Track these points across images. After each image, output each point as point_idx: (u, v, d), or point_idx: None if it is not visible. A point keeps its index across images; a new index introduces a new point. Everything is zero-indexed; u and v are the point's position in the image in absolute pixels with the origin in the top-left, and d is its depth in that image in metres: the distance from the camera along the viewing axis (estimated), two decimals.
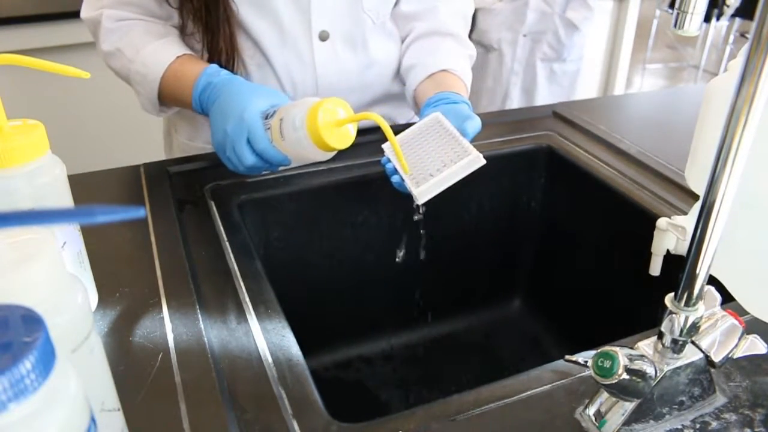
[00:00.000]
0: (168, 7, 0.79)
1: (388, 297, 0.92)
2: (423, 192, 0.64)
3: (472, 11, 0.95)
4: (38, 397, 0.24)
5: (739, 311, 0.49)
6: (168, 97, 0.80)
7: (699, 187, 0.66)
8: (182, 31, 0.82)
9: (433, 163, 0.66)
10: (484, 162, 0.64)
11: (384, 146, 0.73)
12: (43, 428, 0.25)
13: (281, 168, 0.81)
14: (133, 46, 0.78)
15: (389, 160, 0.71)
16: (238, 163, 0.70)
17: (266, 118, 0.69)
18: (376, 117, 0.63)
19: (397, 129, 0.81)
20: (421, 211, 0.72)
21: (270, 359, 0.52)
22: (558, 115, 1.00)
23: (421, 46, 0.89)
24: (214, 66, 0.76)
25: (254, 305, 0.58)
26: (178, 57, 0.77)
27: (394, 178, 0.69)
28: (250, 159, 0.69)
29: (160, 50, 0.78)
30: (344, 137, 0.66)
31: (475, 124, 0.71)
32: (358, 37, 0.87)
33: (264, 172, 0.81)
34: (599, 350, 0.42)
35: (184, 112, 0.90)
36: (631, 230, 0.80)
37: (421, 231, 0.79)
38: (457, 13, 0.91)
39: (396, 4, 0.90)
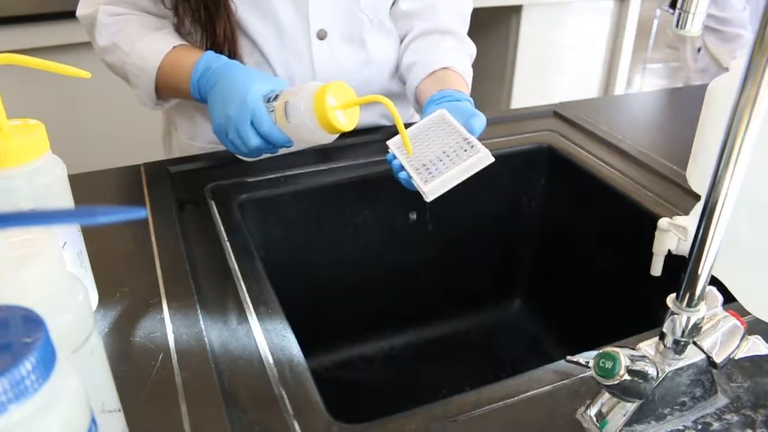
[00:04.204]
0: (163, 7, 0.79)
1: (388, 297, 0.92)
2: (432, 189, 0.64)
3: (470, 10, 0.95)
4: (39, 398, 0.24)
5: (741, 312, 0.49)
6: (165, 88, 0.81)
7: (700, 188, 0.66)
8: (179, 30, 0.82)
9: (440, 160, 0.65)
10: (493, 159, 0.63)
11: (389, 142, 0.73)
12: (44, 429, 0.24)
13: (281, 168, 0.81)
14: (129, 39, 0.79)
15: (395, 157, 0.70)
16: (241, 145, 0.71)
17: (268, 101, 0.70)
18: (382, 99, 0.65)
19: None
20: (413, 217, 0.72)
21: (271, 359, 0.52)
22: (558, 114, 1.00)
23: (421, 44, 0.89)
24: (212, 52, 0.77)
25: (255, 305, 0.58)
26: (174, 47, 0.78)
27: (402, 175, 0.68)
28: (254, 140, 0.70)
29: (156, 41, 0.78)
30: (350, 119, 0.68)
31: (481, 121, 0.71)
32: (356, 36, 0.87)
33: (264, 175, 0.81)
34: (600, 351, 0.41)
35: (186, 110, 0.90)
36: (632, 230, 0.79)
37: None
38: (456, 12, 0.91)
39: (395, 2, 0.90)
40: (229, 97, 0.70)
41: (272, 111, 0.70)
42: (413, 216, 0.87)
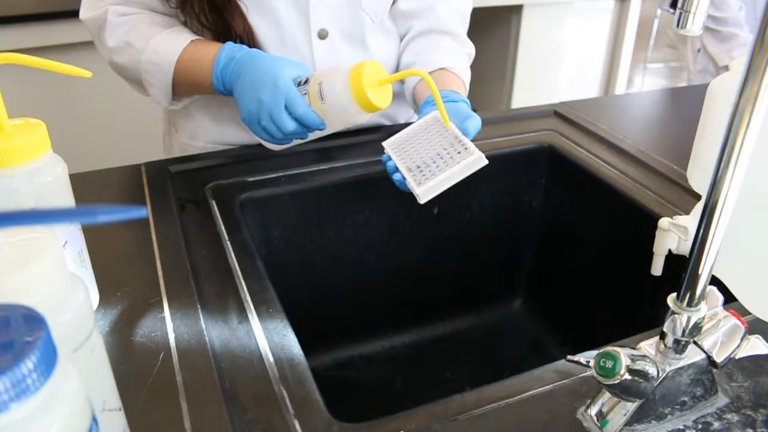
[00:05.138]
0: (170, 7, 0.79)
1: (389, 296, 0.92)
2: (425, 191, 0.64)
3: (470, 10, 0.95)
4: (40, 397, 0.24)
5: (742, 311, 0.49)
6: (183, 82, 0.80)
7: (700, 187, 0.66)
8: (189, 29, 0.82)
9: (434, 162, 0.66)
10: (486, 162, 0.64)
11: (384, 143, 0.73)
12: (45, 428, 0.25)
13: (281, 168, 0.81)
14: (143, 37, 0.79)
15: (390, 158, 0.70)
16: (275, 131, 0.72)
17: (298, 85, 0.72)
18: (419, 72, 0.66)
19: (397, 128, 0.81)
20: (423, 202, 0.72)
21: (271, 358, 0.52)
22: (559, 114, 1.00)
23: (419, 44, 0.89)
24: (232, 43, 0.77)
25: (255, 305, 0.58)
26: (192, 41, 0.78)
27: (396, 176, 0.69)
28: (290, 124, 0.71)
29: (171, 37, 0.78)
30: (385, 96, 0.70)
31: (476, 123, 0.71)
32: (357, 36, 0.87)
33: (264, 174, 0.81)
34: (601, 350, 0.42)
35: (187, 109, 0.90)
36: (632, 230, 0.79)
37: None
38: (455, 11, 0.91)
39: (394, 2, 0.90)
40: (259, 83, 0.71)
41: (305, 94, 0.71)
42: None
